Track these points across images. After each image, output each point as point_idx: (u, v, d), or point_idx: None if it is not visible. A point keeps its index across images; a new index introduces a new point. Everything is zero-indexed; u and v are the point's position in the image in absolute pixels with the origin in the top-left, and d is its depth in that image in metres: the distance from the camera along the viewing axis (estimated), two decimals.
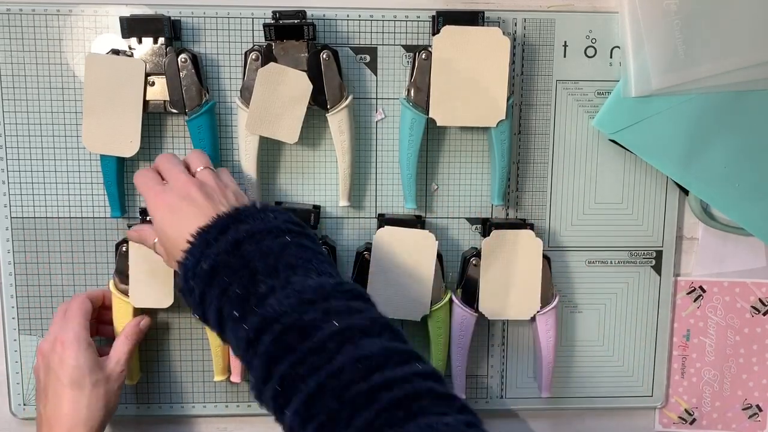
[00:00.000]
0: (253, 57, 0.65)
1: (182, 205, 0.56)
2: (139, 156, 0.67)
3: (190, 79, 0.65)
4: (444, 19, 0.65)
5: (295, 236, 0.54)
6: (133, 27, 0.64)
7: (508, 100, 0.66)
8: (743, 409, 0.78)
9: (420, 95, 0.66)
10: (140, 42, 0.64)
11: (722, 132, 0.69)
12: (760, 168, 0.70)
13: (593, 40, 0.69)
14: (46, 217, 0.69)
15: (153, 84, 0.65)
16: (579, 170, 0.72)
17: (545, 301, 0.71)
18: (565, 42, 0.69)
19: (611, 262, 0.74)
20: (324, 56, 0.64)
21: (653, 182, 0.72)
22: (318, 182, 0.70)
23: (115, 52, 0.65)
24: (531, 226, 0.70)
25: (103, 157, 0.66)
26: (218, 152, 0.68)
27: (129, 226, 0.66)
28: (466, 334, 0.71)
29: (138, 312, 0.69)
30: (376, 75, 0.69)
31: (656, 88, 0.67)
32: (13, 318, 0.71)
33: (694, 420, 0.78)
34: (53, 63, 0.67)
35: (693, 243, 0.75)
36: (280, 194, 0.70)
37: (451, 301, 0.70)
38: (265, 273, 0.50)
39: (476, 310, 0.70)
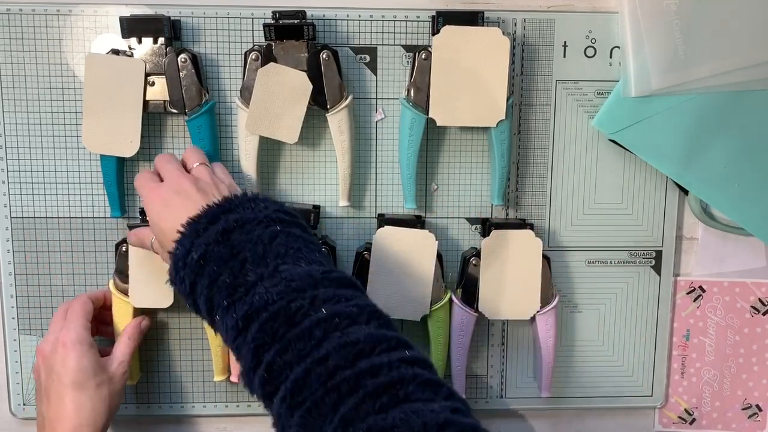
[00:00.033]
0: (253, 57, 0.65)
1: (176, 199, 0.56)
2: (139, 156, 0.67)
3: (190, 79, 0.65)
4: (444, 19, 0.65)
5: (285, 225, 0.53)
6: (133, 27, 0.64)
7: (507, 100, 0.66)
8: (743, 409, 0.78)
9: (420, 95, 0.66)
10: (140, 42, 0.65)
11: (722, 132, 0.69)
12: (760, 168, 0.70)
13: (593, 40, 0.69)
14: (46, 217, 0.69)
15: (153, 84, 0.65)
16: (579, 170, 0.72)
17: (545, 301, 0.71)
18: (565, 42, 0.69)
19: (611, 262, 0.74)
20: (324, 56, 0.64)
21: (653, 182, 0.72)
22: (318, 182, 0.70)
23: (115, 52, 0.65)
24: (531, 226, 0.70)
25: (103, 157, 0.66)
26: (218, 152, 0.68)
27: (129, 226, 0.66)
28: (466, 334, 0.71)
29: (138, 312, 0.69)
30: (375, 75, 0.69)
31: (656, 88, 0.67)
32: (13, 318, 0.71)
33: (693, 420, 0.78)
34: (53, 63, 0.67)
35: (693, 243, 0.75)
36: (280, 194, 0.70)
37: (450, 301, 0.70)
38: (254, 262, 0.50)
39: (476, 310, 0.70)
